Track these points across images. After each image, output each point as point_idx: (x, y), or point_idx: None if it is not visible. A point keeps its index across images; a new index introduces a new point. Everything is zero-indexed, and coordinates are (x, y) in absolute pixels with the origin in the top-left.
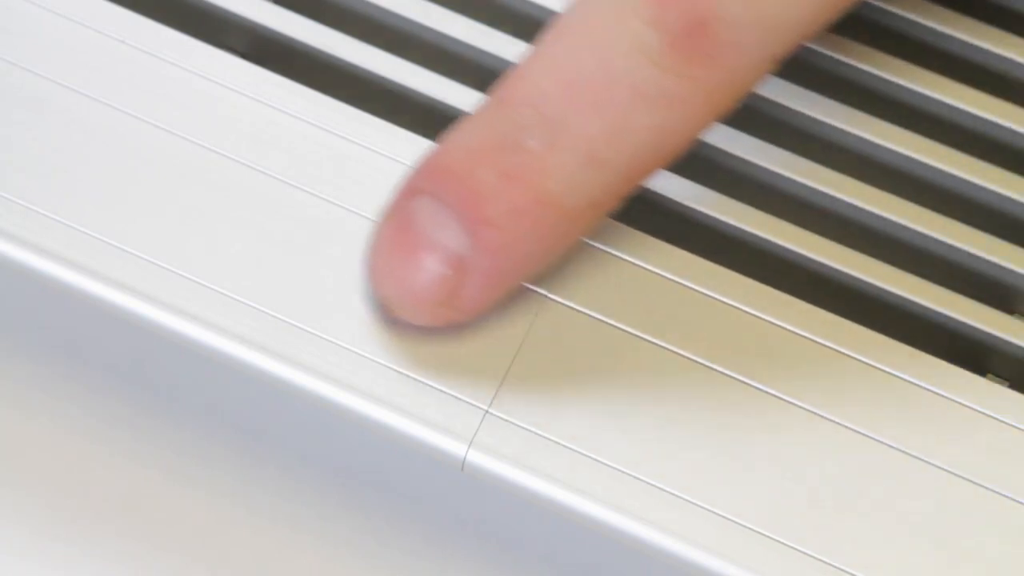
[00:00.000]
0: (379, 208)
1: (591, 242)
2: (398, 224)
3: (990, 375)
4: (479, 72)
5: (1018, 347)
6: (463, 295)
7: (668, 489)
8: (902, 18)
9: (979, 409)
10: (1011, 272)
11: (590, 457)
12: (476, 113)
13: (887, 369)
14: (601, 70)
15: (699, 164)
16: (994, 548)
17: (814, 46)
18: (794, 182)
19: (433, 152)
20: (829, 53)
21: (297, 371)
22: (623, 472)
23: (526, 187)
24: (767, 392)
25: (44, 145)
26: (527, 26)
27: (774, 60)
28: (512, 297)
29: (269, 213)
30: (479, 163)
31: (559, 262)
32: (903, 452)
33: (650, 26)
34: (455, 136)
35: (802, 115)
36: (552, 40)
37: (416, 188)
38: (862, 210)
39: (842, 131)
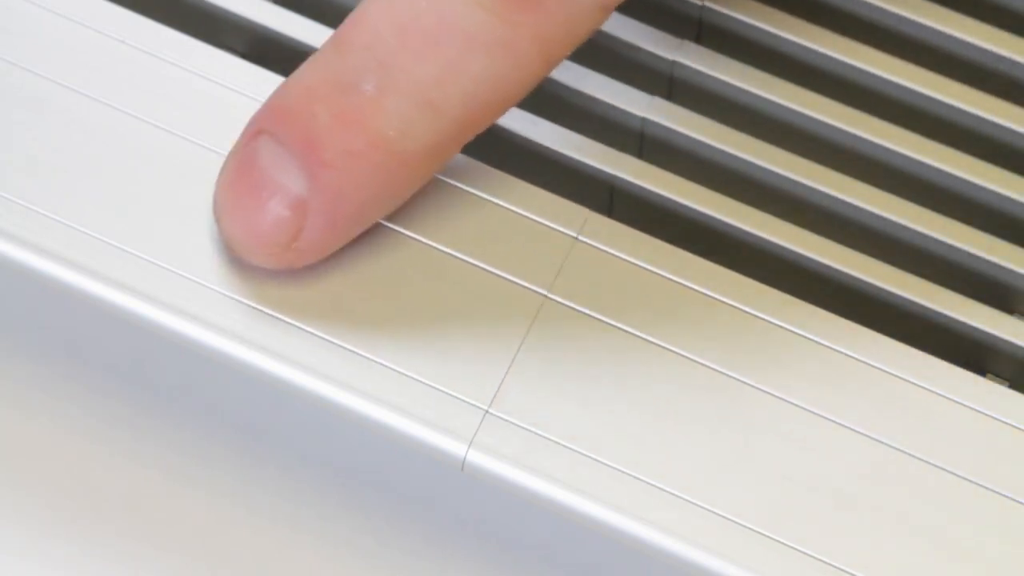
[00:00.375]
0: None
1: (591, 242)
2: (241, 164)
3: (990, 375)
4: None
5: (1018, 347)
6: (304, 237)
7: (668, 489)
8: (902, 18)
9: (979, 409)
10: (1011, 272)
11: (590, 457)
12: (317, 53)
13: (887, 369)
14: (434, 14)
15: (698, 164)
16: (994, 548)
17: (813, 45)
18: (795, 182)
19: (276, 90)
20: (828, 52)
21: (297, 371)
22: (623, 472)
23: (360, 129)
24: (767, 392)
25: (44, 145)
26: None
27: (605, 8)
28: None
29: None
30: (316, 104)
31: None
32: (903, 452)
33: None
34: (296, 76)
35: (803, 115)
36: None
37: (259, 128)
38: (862, 210)
39: (842, 131)
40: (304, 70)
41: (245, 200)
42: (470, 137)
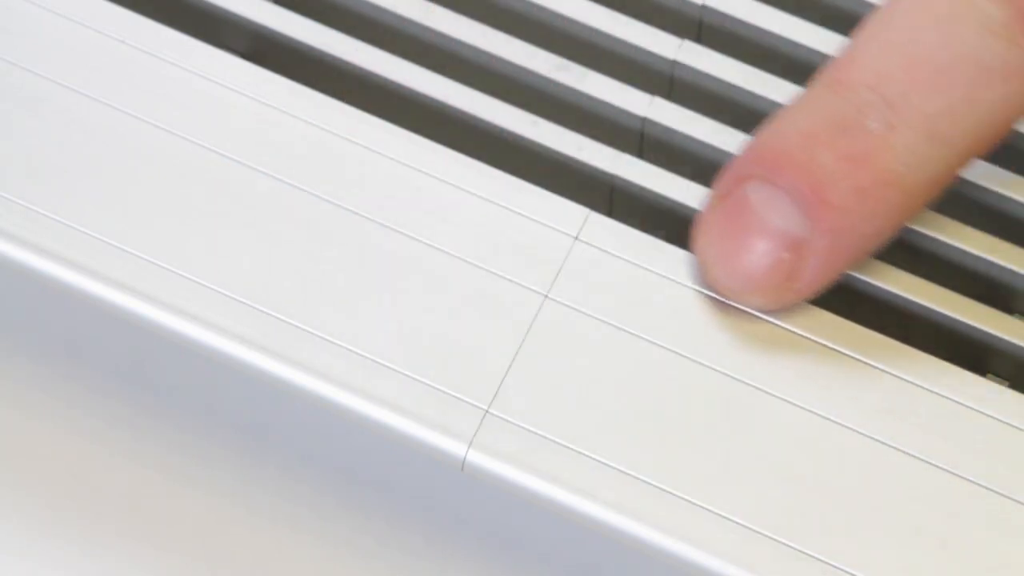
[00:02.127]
0: (380, 208)
1: (591, 242)
2: (730, 210)
3: (990, 375)
4: (479, 72)
5: (1018, 347)
6: (801, 277)
7: (668, 489)
8: None
9: (979, 409)
10: (1011, 272)
11: (590, 457)
12: (806, 97)
13: (887, 369)
14: (945, 47)
15: (698, 164)
16: (994, 548)
17: (812, 45)
18: None
19: (761, 138)
20: (828, 52)
21: (297, 371)
22: (623, 472)
23: (869, 168)
24: (767, 392)
25: (44, 145)
26: (526, 26)
27: None
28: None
29: (268, 213)
30: (817, 146)
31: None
32: (903, 452)
33: (993, 2)
34: (786, 120)
35: None
36: (883, 23)
37: (747, 174)
38: None
39: None
40: (792, 113)
41: (736, 244)
42: (969, 164)
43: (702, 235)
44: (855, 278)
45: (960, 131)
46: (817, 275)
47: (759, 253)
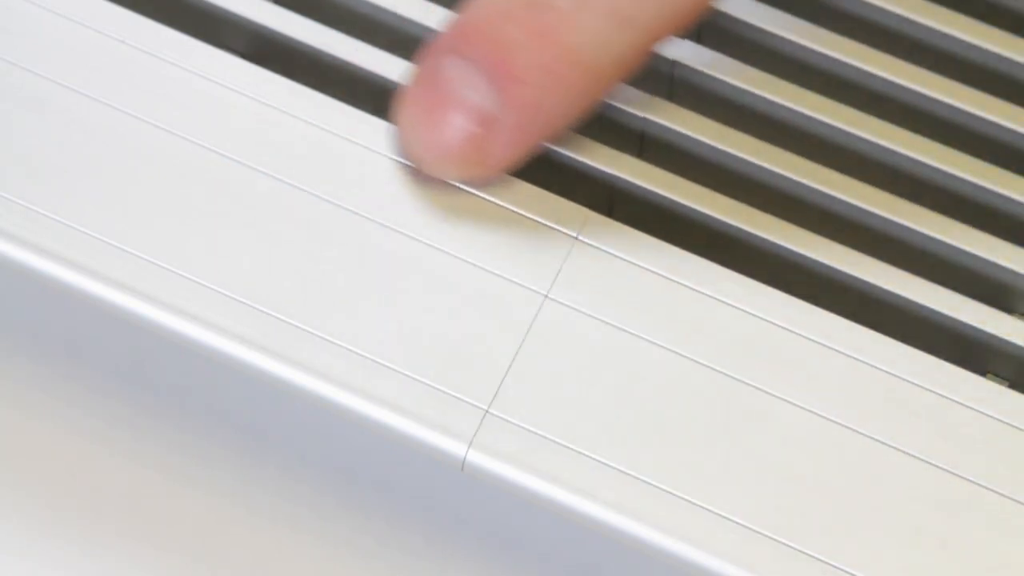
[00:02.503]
0: (380, 208)
1: (591, 242)
2: (426, 84)
3: (990, 375)
4: None
5: (1018, 347)
6: (491, 151)
7: (668, 489)
8: (903, 18)
9: (979, 409)
10: (1011, 272)
11: (590, 457)
12: None
13: (887, 369)
14: None
15: (698, 164)
16: (994, 548)
17: (813, 45)
18: (795, 182)
19: (460, 14)
20: (828, 52)
21: (297, 371)
22: (623, 472)
23: (554, 44)
24: (767, 392)
25: (44, 145)
26: None
27: None
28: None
29: (269, 213)
30: (507, 22)
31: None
32: (903, 452)
33: None
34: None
35: (803, 115)
36: None
37: (444, 48)
38: (862, 210)
39: (842, 131)
40: None
41: (431, 115)
42: (653, 49)
43: (401, 108)
44: (855, 277)
45: (642, 13)
46: (508, 149)
47: (452, 126)
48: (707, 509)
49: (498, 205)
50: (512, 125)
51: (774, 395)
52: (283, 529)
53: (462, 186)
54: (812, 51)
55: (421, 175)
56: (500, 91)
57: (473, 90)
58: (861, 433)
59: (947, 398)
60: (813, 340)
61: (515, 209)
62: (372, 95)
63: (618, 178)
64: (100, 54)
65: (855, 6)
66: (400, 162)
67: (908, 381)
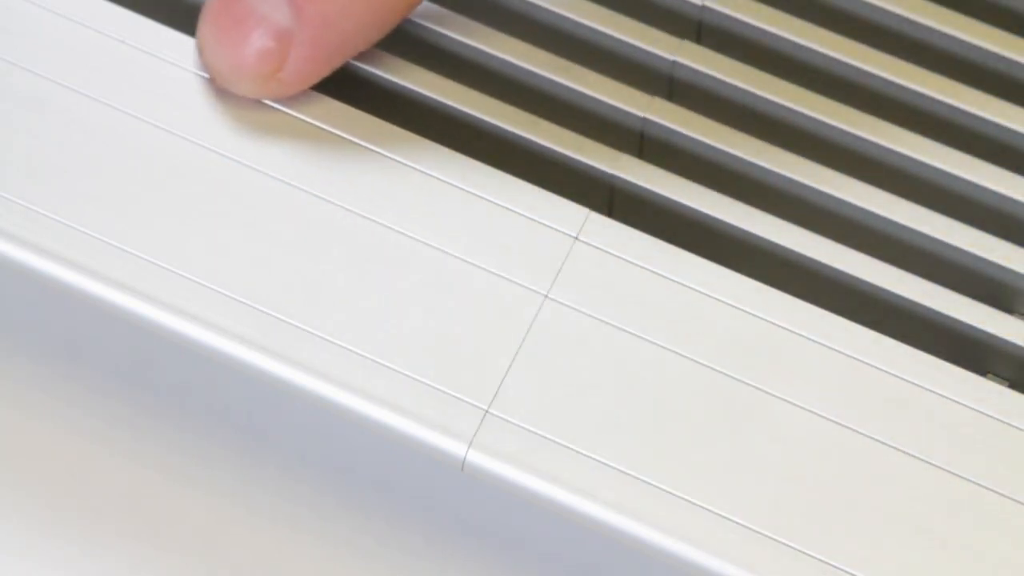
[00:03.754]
0: (379, 207)
1: (591, 242)
2: (226, 1)
3: (990, 375)
4: (479, 72)
5: (1018, 347)
6: (287, 68)
7: (668, 489)
8: (903, 18)
9: (979, 409)
10: (1011, 272)
11: (590, 457)
12: None
13: (887, 369)
14: None
15: (698, 164)
16: (994, 548)
17: (813, 45)
18: (795, 182)
19: None
20: (828, 52)
21: (297, 371)
22: (623, 472)
23: None
24: (767, 392)
25: (44, 145)
26: (528, 26)
27: None
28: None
29: (269, 213)
30: None
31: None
32: (903, 452)
33: None
34: None
35: (803, 115)
36: None
37: None
38: (862, 210)
39: (842, 131)
40: None
41: (229, 32)
42: None
43: (202, 22)
44: (855, 277)
45: None
46: (303, 67)
47: (248, 42)
48: (707, 509)
49: (498, 205)
50: (307, 40)
51: (774, 395)
52: (283, 529)
53: (448, 181)
54: (812, 51)
55: None
56: (294, 6)
57: (270, 6)
58: (861, 433)
59: (947, 398)
60: (813, 340)
61: (515, 209)
62: (371, 95)
63: (618, 178)
64: (100, 54)
65: (855, 6)
66: (401, 163)
67: (908, 381)
